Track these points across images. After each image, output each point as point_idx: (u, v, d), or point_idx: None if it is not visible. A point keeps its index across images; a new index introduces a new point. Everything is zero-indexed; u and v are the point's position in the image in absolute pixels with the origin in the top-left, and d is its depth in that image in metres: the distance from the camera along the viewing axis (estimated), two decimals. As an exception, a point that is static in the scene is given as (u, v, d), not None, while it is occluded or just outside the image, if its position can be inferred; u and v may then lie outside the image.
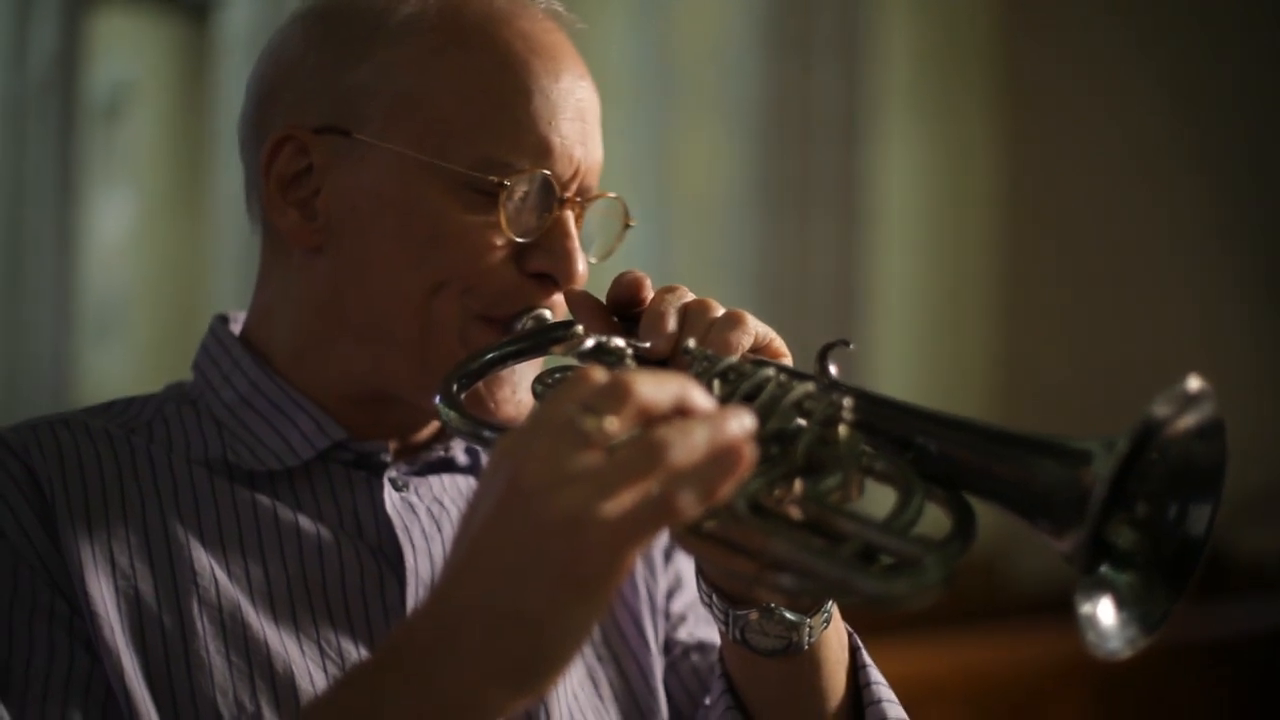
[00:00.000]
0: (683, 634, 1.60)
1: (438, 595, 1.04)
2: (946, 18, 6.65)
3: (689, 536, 1.09)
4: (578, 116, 1.45)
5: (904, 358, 6.16)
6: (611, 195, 1.51)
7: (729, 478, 0.99)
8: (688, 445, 0.98)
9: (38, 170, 7.36)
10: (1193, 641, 4.74)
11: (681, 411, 1.02)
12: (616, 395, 1.00)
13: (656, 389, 1.01)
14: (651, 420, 1.00)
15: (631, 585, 1.57)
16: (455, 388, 1.34)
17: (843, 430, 1.14)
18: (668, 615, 1.60)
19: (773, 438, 1.13)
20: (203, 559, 1.37)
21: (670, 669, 1.58)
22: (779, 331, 1.36)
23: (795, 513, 1.10)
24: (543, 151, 1.42)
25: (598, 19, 6.88)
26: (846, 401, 1.14)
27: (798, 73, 6.16)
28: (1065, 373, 6.31)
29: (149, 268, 9.84)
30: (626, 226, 1.53)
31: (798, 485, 1.12)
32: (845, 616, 1.46)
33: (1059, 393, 6.05)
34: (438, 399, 1.32)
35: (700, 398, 1.03)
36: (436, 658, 1.01)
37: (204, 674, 1.32)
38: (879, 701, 1.46)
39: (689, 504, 0.98)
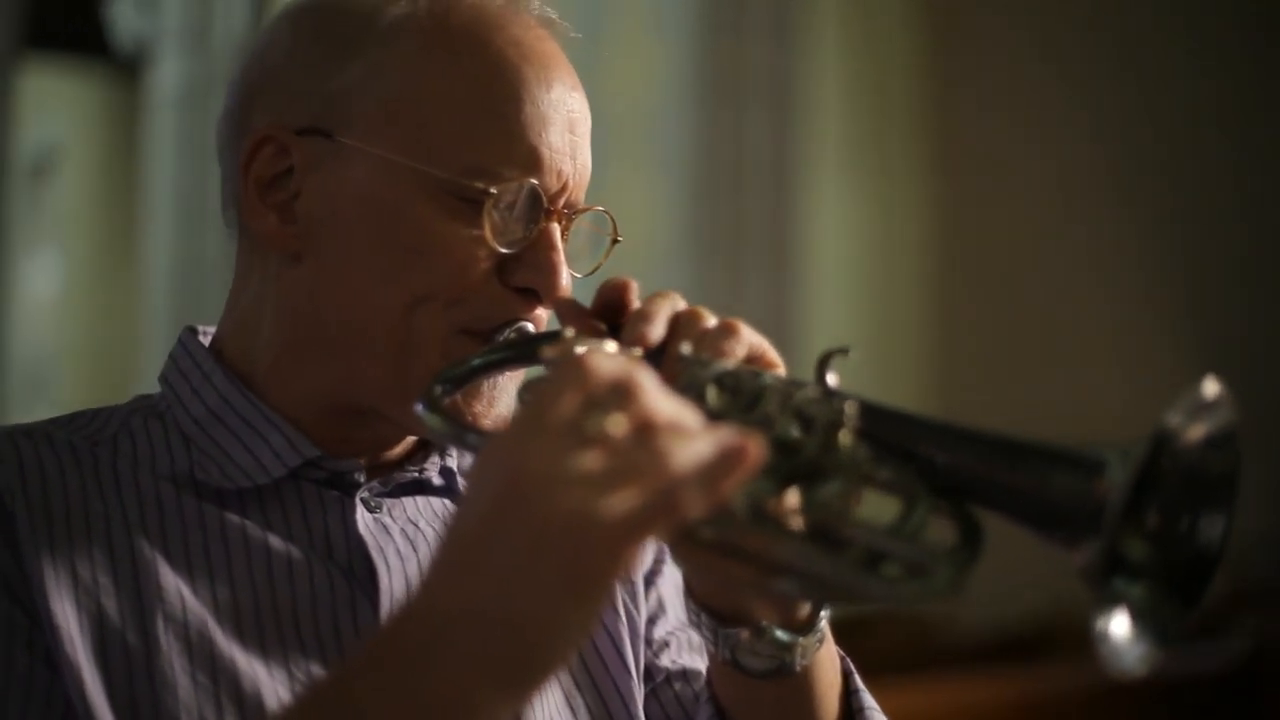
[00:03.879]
0: (665, 660, 1.55)
1: (427, 597, 1.00)
2: (877, 68, 6.71)
3: (687, 544, 1.06)
4: (568, 128, 1.42)
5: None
6: (600, 209, 1.47)
7: (734, 475, 0.97)
8: (693, 449, 0.96)
9: (-36, 230, 7.27)
10: (1136, 685, 4.73)
11: (680, 428, 0.98)
12: (622, 395, 0.97)
13: (662, 399, 0.98)
14: (652, 426, 0.97)
15: (612, 610, 1.52)
16: (439, 392, 1.30)
17: (845, 437, 1.11)
18: (649, 641, 1.56)
19: (774, 444, 1.10)
20: (169, 576, 1.32)
21: (652, 696, 1.54)
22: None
23: (797, 520, 1.08)
24: (531, 162, 1.39)
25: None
26: (849, 408, 1.12)
27: (729, 123, 6.19)
28: (996, 421, 6.32)
29: (77, 328, 9.78)
30: (615, 241, 1.49)
31: (799, 492, 1.09)
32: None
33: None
34: (420, 404, 1.28)
35: (696, 419, 1.00)
36: (424, 661, 0.97)
37: (169, 692, 1.27)
38: None
39: (693, 502, 0.95)
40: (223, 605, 1.33)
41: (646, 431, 0.97)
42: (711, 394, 1.17)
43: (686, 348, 1.25)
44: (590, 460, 0.95)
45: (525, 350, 1.36)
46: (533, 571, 0.94)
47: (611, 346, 1.18)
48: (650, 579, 1.58)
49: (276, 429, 1.41)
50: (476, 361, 1.34)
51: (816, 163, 6.39)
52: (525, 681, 0.97)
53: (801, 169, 6.28)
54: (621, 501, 0.94)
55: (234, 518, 1.38)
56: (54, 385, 9.75)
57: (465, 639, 0.96)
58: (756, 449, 0.97)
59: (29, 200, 8.83)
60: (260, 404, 1.42)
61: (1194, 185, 6.25)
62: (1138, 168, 6.34)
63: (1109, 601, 1.04)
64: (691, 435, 0.97)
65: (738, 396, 1.17)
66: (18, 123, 7.62)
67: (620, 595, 1.54)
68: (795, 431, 1.12)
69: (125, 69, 8.55)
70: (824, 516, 1.07)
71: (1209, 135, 6.18)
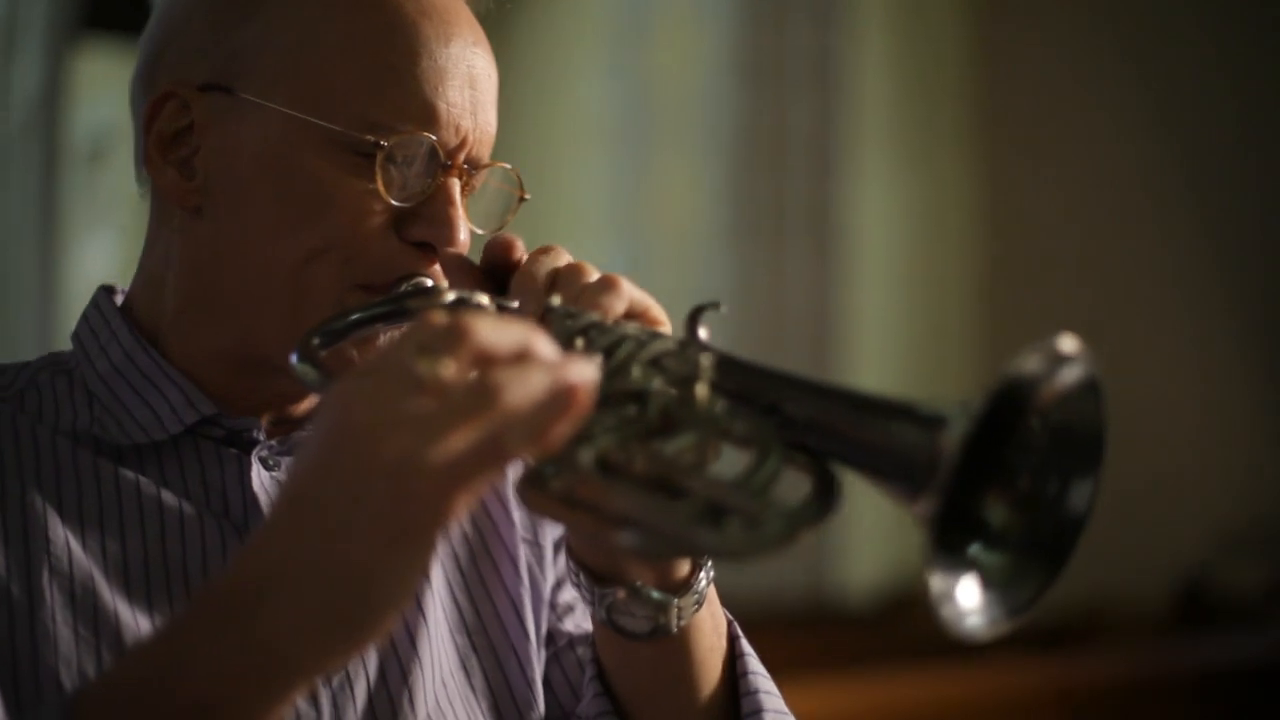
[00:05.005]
0: (569, 625, 1.56)
1: (256, 544, 1.00)
2: (921, 48, 6.67)
3: (534, 493, 1.06)
4: (468, 84, 1.41)
5: (879, 388, 6.14)
6: (505, 166, 1.47)
7: (562, 420, 0.97)
8: (524, 389, 0.96)
9: (20, 214, 7.34)
10: (1174, 674, 4.71)
11: (523, 358, 0.99)
12: (453, 337, 0.97)
13: (497, 332, 0.98)
14: (490, 364, 0.97)
15: (515, 573, 1.52)
16: (316, 342, 1.30)
17: (701, 390, 1.11)
18: (554, 606, 1.56)
19: (629, 396, 1.11)
20: (59, 530, 1.33)
21: (553, 660, 1.54)
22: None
23: (651, 472, 1.07)
24: (427, 117, 1.39)
25: (575, 53, 6.91)
26: (704, 360, 1.12)
27: (772, 104, 6.19)
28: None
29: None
30: (521, 199, 1.49)
31: (651, 444, 1.09)
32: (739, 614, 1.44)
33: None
34: (295, 354, 1.28)
35: (544, 345, 1.00)
36: (251, 609, 0.97)
37: (48, 643, 1.28)
38: (756, 692, 1.42)
39: (518, 446, 0.95)
40: (112, 559, 1.34)
41: (482, 367, 0.97)
42: (579, 345, 1.18)
43: (557, 300, 1.26)
44: (419, 405, 0.95)
45: (402, 305, 1.36)
46: (355, 519, 0.94)
47: (484, 299, 1.20)
48: (560, 546, 1.57)
49: (175, 385, 1.42)
50: (356, 315, 1.34)
51: (861, 145, 6.36)
52: (355, 630, 0.97)
53: (845, 151, 6.27)
54: (447, 447, 0.93)
55: (129, 473, 1.39)
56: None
57: (293, 585, 0.96)
58: (585, 393, 0.97)
59: (86, 183, 8.90)
60: (162, 360, 1.43)
61: (1258, 169, 6.16)
62: (1193, 149, 6.26)
63: (956, 564, 1.03)
64: (533, 362, 0.98)
65: (597, 346, 1.17)
66: (73, 106, 7.68)
67: (525, 558, 1.54)
68: (652, 383, 1.12)
69: (177, 52, 8.61)
70: (672, 468, 1.06)
71: (1275, 122, 6.10)
